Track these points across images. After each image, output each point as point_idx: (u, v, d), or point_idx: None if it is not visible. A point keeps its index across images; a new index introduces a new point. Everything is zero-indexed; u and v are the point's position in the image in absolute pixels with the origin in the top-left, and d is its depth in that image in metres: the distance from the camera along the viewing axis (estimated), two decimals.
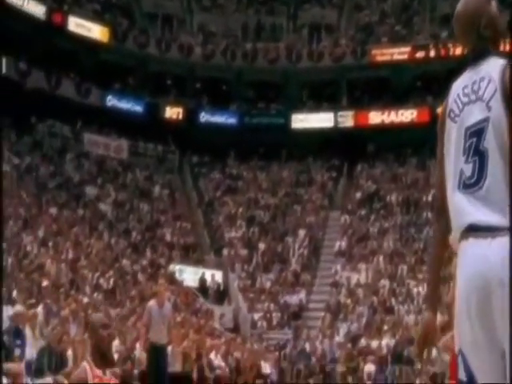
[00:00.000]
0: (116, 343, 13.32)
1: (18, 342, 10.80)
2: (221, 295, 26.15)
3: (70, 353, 11.49)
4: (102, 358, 4.95)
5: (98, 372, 5.07)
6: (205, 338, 17.26)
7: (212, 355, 16.31)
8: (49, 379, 10.37)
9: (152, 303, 10.25)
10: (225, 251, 28.35)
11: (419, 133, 27.01)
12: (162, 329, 9.87)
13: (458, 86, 2.68)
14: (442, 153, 2.70)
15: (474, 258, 2.48)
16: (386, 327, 22.10)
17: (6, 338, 10.32)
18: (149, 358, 9.71)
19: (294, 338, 24.47)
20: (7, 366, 9.05)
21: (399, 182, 30.29)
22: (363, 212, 29.47)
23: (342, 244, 28.04)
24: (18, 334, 10.96)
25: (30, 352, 10.76)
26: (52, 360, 10.81)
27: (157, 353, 9.76)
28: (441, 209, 2.73)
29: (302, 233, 29.09)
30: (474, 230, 2.50)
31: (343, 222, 29.34)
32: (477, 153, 2.53)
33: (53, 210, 21.96)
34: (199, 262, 27.28)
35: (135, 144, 31.21)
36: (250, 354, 18.82)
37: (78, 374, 5.33)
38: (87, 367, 11.47)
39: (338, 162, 32.23)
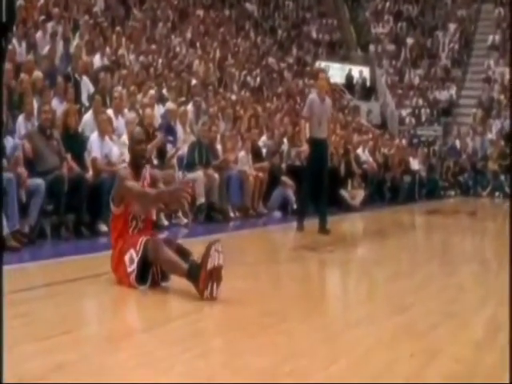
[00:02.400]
0: (263, 138, 13.41)
1: (170, 137, 10.99)
2: (368, 91, 25.59)
3: (219, 147, 11.69)
4: (136, 171, 5.26)
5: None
6: (352, 133, 17.04)
7: (359, 150, 16.12)
8: (199, 172, 10.56)
9: (313, 96, 9.78)
10: (372, 47, 27.35)
11: None
12: (322, 123, 9.52)
13: None
14: None
15: None
16: None
17: (158, 133, 10.46)
18: (310, 151, 9.48)
19: (443, 134, 23.86)
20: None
21: None
22: None
23: (495, 38, 26.19)
24: (169, 130, 11.13)
25: (182, 147, 10.93)
26: (202, 154, 10.96)
27: (318, 146, 9.47)
28: None
29: (452, 27, 27.41)
30: None
31: (497, 14, 27.19)
32: None
33: (199, 12, 21.59)
34: (346, 59, 26.54)
35: None
36: (398, 150, 18.52)
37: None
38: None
39: None
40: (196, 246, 6.80)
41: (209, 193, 10.61)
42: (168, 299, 4.82)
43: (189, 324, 4.29)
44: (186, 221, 10.00)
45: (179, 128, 11.49)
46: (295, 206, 12.32)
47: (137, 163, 5.44)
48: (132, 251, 5.08)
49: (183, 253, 5.11)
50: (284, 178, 12.61)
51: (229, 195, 11.17)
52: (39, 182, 7.47)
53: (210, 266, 4.71)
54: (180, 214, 9.95)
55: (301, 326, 4.29)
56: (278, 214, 12.37)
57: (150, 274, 5.09)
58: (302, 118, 9.97)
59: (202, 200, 10.38)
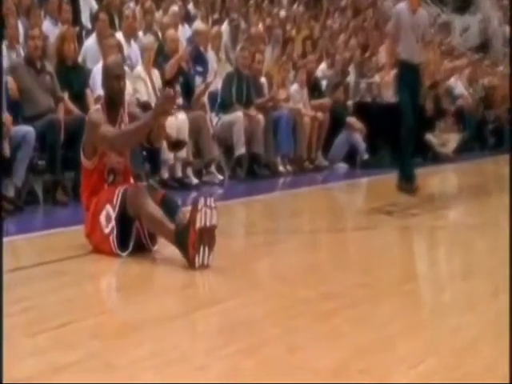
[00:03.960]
0: (323, 67, 13.32)
1: (200, 68, 11.00)
2: (463, 2, 25.22)
3: (263, 79, 11.63)
4: (112, 113, 5.49)
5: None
6: (442, 59, 16.85)
7: (452, 82, 16.04)
8: (238, 113, 10.52)
9: (402, 6, 9.58)
10: None
11: None
12: (413, 42, 9.35)
13: None
14: None
15: None
16: None
17: (184, 64, 10.46)
18: (400, 80, 9.37)
19: None
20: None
21: None
22: None
23: None
24: (198, 58, 11.14)
25: (214, 81, 10.89)
26: (242, 89, 10.93)
27: (410, 73, 9.33)
28: None
29: None
30: None
31: None
32: None
33: None
34: None
35: None
36: (504, 81, 18.28)
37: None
38: None
39: None
40: (235, 210, 6.82)
41: (251, 141, 10.63)
42: (197, 278, 4.83)
43: (226, 311, 4.28)
44: (220, 178, 10.01)
45: (211, 55, 11.52)
46: (366, 156, 12.30)
47: (113, 104, 5.54)
48: (108, 207, 5.22)
49: (169, 206, 5.24)
50: (350, 120, 12.58)
51: (277, 143, 11.19)
52: (27, 129, 7.53)
53: (199, 224, 4.81)
54: (213, 168, 9.96)
55: (374, 312, 4.28)
56: (342, 166, 12.38)
57: (132, 230, 5.19)
58: (387, 35, 9.90)
59: (241, 150, 10.40)
